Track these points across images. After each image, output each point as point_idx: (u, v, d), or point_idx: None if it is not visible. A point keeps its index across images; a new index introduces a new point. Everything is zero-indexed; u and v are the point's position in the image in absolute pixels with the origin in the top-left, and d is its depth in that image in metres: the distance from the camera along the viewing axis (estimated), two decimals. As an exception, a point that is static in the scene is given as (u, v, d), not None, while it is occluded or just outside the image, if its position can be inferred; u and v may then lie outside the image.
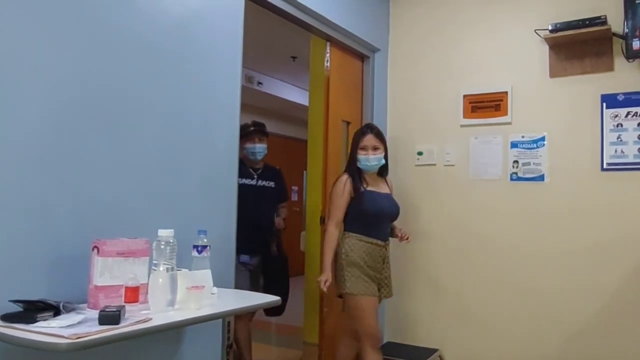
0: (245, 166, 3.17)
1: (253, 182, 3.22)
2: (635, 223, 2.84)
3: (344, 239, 2.71)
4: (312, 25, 2.95)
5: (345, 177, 2.76)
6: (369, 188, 2.75)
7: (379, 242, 2.73)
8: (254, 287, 3.16)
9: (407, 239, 2.84)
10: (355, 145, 2.77)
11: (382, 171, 2.86)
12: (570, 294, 2.99)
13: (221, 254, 2.18)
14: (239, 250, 2.94)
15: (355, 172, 2.76)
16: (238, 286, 2.87)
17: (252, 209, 2.98)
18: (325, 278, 2.63)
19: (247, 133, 3.19)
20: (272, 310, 3.22)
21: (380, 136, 2.80)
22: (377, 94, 3.54)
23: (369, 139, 2.75)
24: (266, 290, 3.10)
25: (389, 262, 2.82)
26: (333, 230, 2.70)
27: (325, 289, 2.64)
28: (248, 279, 3.10)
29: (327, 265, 2.66)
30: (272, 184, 3.29)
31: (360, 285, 2.64)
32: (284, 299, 2.98)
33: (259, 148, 3.24)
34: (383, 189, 2.83)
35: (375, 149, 2.74)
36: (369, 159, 2.73)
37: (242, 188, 2.96)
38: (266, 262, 3.19)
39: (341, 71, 3.30)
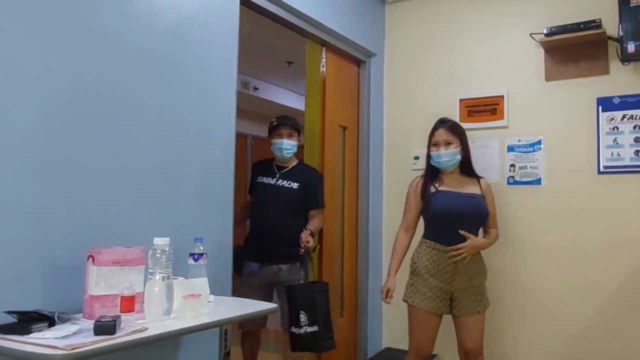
0: (270, 164, 2.94)
1: (272, 182, 2.87)
2: (632, 225, 2.83)
3: (418, 245, 2.58)
4: (308, 31, 2.95)
5: (417, 178, 2.63)
6: (442, 188, 2.54)
7: (445, 247, 2.47)
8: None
9: (456, 254, 2.44)
10: (429, 143, 2.59)
11: (470, 170, 2.62)
12: (567, 296, 2.98)
13: (218, 262, 2.17)
14: (248, 257, 2.80)
15: (428, 171, 2.59)
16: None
17: (264, 211, 2.79)
18: (387, 287, 2.51)
19: (274, 127, 2.92)
20: (323, 347, 2.71)
21: (453, 130, 2.56)
22: (374, 98, 3.54)
23: (441, 134, 2.54)
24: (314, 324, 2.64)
25: (469, 273, 2.50)
26: (400, 235, 2.60)
27: (387, 300, 2.53)
28: (258, 293, 2.69)
29: (390, 272, 2.55)
30: (295, 185, 2.84)
31: (416, 296, 2.50)
32: (319, 332, 2.62)
33: (287, 144, 2.86)
34: (467, 189, 2.55)
35: (447, 144, 2.52)
36: (440, 155, 2.52)
37: (258, 187, 2.87)
38: (291, 292, 2.69)
39: (337, 76, 3.30)
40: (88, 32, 1.75)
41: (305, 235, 2.73)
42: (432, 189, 2.54)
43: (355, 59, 3.48)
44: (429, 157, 2.58)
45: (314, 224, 2.86)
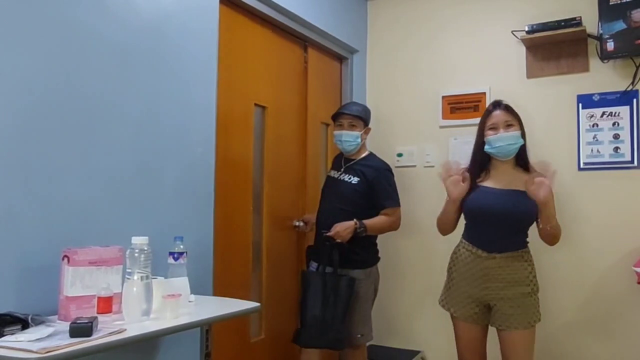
0: (341, 156, 2.76)
1: (336, 175, 2.69)
2: (611, 222, 2.87)
3: (457, 244, 2.36)
4: (289, 27, 2.92)
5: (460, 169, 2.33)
6: (486, 183, 2.24)
7: (481, 252, 2.20)
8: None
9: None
10: (482, 127, 2.25)
11: (525, 162, 2.25)
12: (549, 293, 3.00)
13: (199, 261, 2.14)
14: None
15: (475, 163, 2.28)
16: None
17: (321, 207, 2.71)
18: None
19: (334, 116, 2.70)
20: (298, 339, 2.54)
21: (512, 110, 2.25)
22: (356, 95, 3.52)
23: (499, 115, 2.21)
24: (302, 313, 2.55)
25: (503, 281, 2.18)
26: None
27: (445, 174, 2.20)
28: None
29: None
30: (354, 179, 2.59)
31: (451, 303, 2.29)
32: (312, 325, 2.46)
33: (347, 136, 2.62)
34: (517, 185, 2.18)
35: (508, 125, 2.19)
36: (501, 138, 2.17)
37: (326, 181, 2.80)
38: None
39: (319, 73, 3.28)
40: (62, 26, 1.70)
41: (342, 225, 2.49)
42: (474, 185, 2.25)
43: (338, 56, 3.46)
44: (479, 145, 2.26)
45: (374, 220, 2.56)
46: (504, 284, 2.19)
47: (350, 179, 2.63)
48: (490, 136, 2.21)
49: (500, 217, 2.19)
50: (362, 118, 2.67)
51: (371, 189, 2.60)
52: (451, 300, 2.31)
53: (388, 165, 2.74)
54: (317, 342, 2.51)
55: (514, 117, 2.24)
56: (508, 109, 2.26)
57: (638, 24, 2.72)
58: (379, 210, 2.62)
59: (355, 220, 2.52)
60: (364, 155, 2.72)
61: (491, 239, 2.21)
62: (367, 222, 2.55)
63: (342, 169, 2.68)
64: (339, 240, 2.50)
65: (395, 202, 2.66)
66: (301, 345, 2.58)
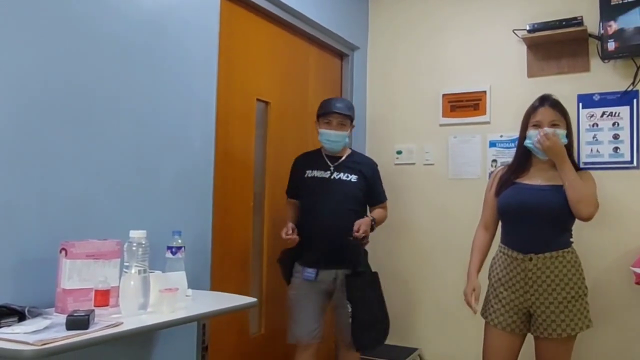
0: (318, 155, 2.63)
1: (326, 175, 2.55)
2: (610, 222, 2.87)
3: (496, 251, 2.25)
4: (291, 23, 2.92)
5: (500, 167, 2.29)
6: (523, 180, 2.16)
7: (516, 254, 2.09)
8: (323, 315, 2.50)
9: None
10: (525, 123, 2.16)
11: (570, 160, 2.11)
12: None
13: (197, 255, 2.14)
14: (302, 262, 2.53)
15: (516, 160, 2.22)
16: (302, 311, 2.46)
17: (321, 208, 2.50)
18: (471, 288, 2.18)
19: (322, 114, 2.58)
20: (362, 344, 2.45)
21: (559, 108, 2.13)
22: (356, 92, 3.52)
23: (545, 113, 2.10)
24: (354, 319, 2.38)
25: (548, 285, 2.06)
26: (479, 232, 2.29)
27: (472, 301, 2.16)
28: (314, 302, 2.47)
29: (471, 272, 2.22)
30: (353, 177, 2.55)
31: (489, 310, 2.19)
32: (371, 326, 2.40)
33: (335, 136, 2.53)
34: (554, 181, 2.10)
35: (553, 125, 2.08)
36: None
37: (310, 182, 2.55)
38: (349, 284, 2.41)
39: (320, 69, 3.27)
40: (61, 20, 1.69)
41: (364, 223, 2.43)
42: (509, 181, 2.18)
43: (339, 52, 3.45)
44: (521, 141, 2.19)
45: (378, 213, 2.62)
46: (545, 287, 2.07)
47: (348, 177, 2.56)
48: (532, 131, 2.13)
49: (533, 213, 2.08)
50: (350, 117, 2.63)
51: (367, 185, 2.61)
52: (490, 308, 2.19)
53: (375, 161, 2.79)
54: (382, 342, 2.51)
55: (561, 116, 2.13)
56: (555, 105, 2.14)
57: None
58: (376, 204, 2.67)
59: (370, 216, 2.55)
60: (349, 152, 2.69)
61: (526, 238, 2.10)
62: (375, 216, 2.59)
63: (332, 169, 2.57)
64: (363, 237, 2.46)
65: (385, 196, 2.74)
66: (370, 353, 2.65)
